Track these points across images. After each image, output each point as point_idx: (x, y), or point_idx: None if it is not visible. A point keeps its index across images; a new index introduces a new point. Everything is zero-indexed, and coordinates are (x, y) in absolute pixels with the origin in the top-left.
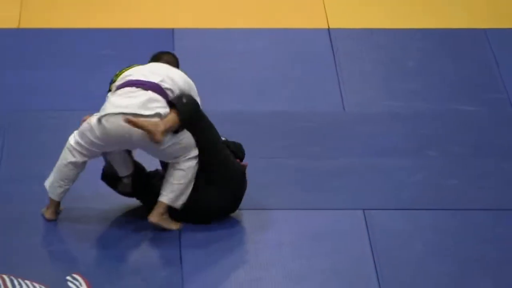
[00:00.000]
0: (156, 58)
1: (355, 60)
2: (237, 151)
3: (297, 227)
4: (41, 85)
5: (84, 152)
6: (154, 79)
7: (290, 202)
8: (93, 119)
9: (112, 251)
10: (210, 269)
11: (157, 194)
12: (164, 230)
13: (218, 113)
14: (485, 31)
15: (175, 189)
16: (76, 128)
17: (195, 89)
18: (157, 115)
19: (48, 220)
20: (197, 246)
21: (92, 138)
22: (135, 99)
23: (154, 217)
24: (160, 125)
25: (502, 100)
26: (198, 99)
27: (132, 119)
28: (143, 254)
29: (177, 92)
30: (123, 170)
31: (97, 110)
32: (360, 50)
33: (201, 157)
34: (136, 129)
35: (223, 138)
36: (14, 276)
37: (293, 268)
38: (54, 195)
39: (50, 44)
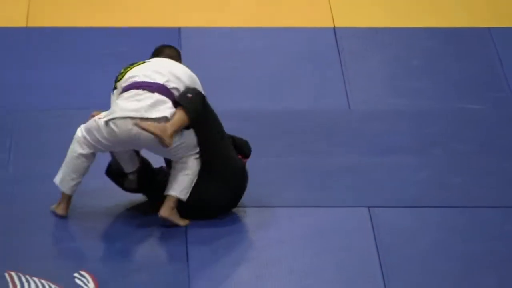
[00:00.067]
0: (158, 52)
1: (360, 58)
2: (243, 147)
3: (303, 225)
4: (49, 83)
5: (91, 146)
6: (159, 79)
7: (296, 200)
8: (100, 121)
9: (119, 247)
10: (216, 265)
11: (162, 190)
12: (171, 226)
13: (224, 111)
14: (489, 30)
15: (183, 181)
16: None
17: (199, 83)
18: (164, 118)
19: (60, 216)
20: (203, 243)
21: (99, 137)
22: (142, 102)
23: (165, 212)
24: (168, 129)
25: (506, 98)
26: (203, 93)
27: (140, 124)
28: (150, 251)
29: (182, 89)
30: (129, 167)
31: (103, 108)
32: (365, 49)
33: (204, 152)
34: (144, 132)
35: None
36: (22, 274)
37: (298, 265)
38: (66, 188)
39: (57, 43)
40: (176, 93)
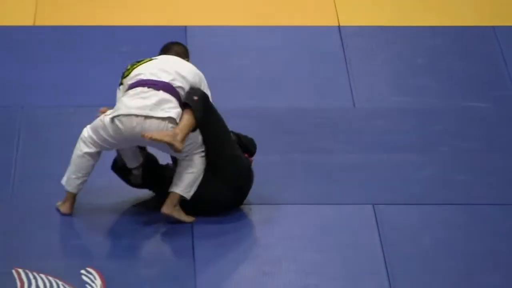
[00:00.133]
0: (166, 49)
1: (365, 57)
2: (249, 144)
3: (307, 222)
4: (55, 81)
5: (97, 145)
6: (165, 78)
7: (301, 197)
8: (106, 118)
9: (125, 244)
10: (222, 261)
11: (168, 186)
12: (177, 222)
13: (230, 109)
14: (493, 28)
15: (186, 179)
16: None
17: (205, 81)
18: (169, 119)
19: (64, 215)
20: (209, 239)
21: (105, 135)
22: (147, 100)
23: (167, 208)
24: (178, 135)
25: (510, 97)
26: (208, 92)
27: (149, 134)
28: (156, 247)
29: (187, 88)
30: (132, 162)
31: (110, 106)
32: (370, 47)
33: (209, 151)
34: (148, 129)
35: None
36: (29, 270)
37: (303, 261)
38: (71, 187)
39: (64, 41)
40: (181, 92)
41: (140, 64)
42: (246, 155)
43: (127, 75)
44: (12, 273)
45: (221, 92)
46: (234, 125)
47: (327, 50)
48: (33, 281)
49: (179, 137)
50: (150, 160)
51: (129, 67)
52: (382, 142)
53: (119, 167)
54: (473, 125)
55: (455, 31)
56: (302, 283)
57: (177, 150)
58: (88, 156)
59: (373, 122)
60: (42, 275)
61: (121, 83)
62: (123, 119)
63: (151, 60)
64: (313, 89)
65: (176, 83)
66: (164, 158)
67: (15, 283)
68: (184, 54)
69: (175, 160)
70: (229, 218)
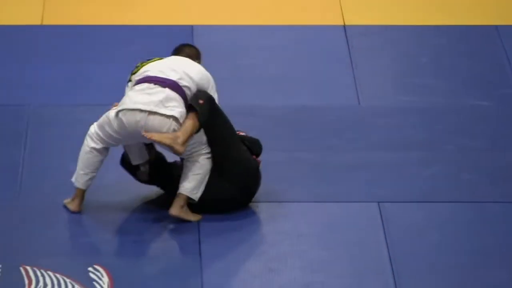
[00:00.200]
0: (178, 50)
1: (370, 56)
2: (253, 146)
3: (313, 220)
4: (63, 80)
5: (103, 141)
6: (173, 76)
7: (307, 195)
8: (111, 113)
9: (132, 242)
10: (228, 258)
11: (176, 184)
12: (184, 221)
13: (237, 108)
14: (496, 27)
15: (193, 180)
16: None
17: (213, 83)
18: (173, 117)
19: (72, 212)
20: (216, 236)
21: (110, 131)
22: (153, 96)
23: (174, 210)
24: (180, 138)
25: None
26: (215, 94)
27: (150, 134)
28: (163, 245)
29: (194, 89)
30: (136, 159)
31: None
32: (375, 46)
33: (215, 152)
34: (151, 124)
35: (242, 133)
36: (37, 268)
37: (309, 259)
38: (80, 183)
39: (71, 40)
40: (187, 92)
41: (150, 62)
42: (253, 156)
43: (136, 72)
44: (19, 270)
45: (228, 91)
46: (240, 123)
47: (333, 49)
48: (40, 279)
49: (179, 140)
50: (157, 158)
51: (139, 64)
52: (387, 141)
53: (128, 162)
54: (478, 124)
55: (459, 30)
56: (307, 280)
57: (178, 153)
58: (95, 152)
59: (378, 121)
60: (50, 273)
61: (130, 80)
62: (128, 113)
63: (161, 59)
64: (319, 88)
65: (183, 82)
66: (171, 155)
67: (23, 280)
68: (195, 56)
69: (182, 158)
70: (236, 216)
